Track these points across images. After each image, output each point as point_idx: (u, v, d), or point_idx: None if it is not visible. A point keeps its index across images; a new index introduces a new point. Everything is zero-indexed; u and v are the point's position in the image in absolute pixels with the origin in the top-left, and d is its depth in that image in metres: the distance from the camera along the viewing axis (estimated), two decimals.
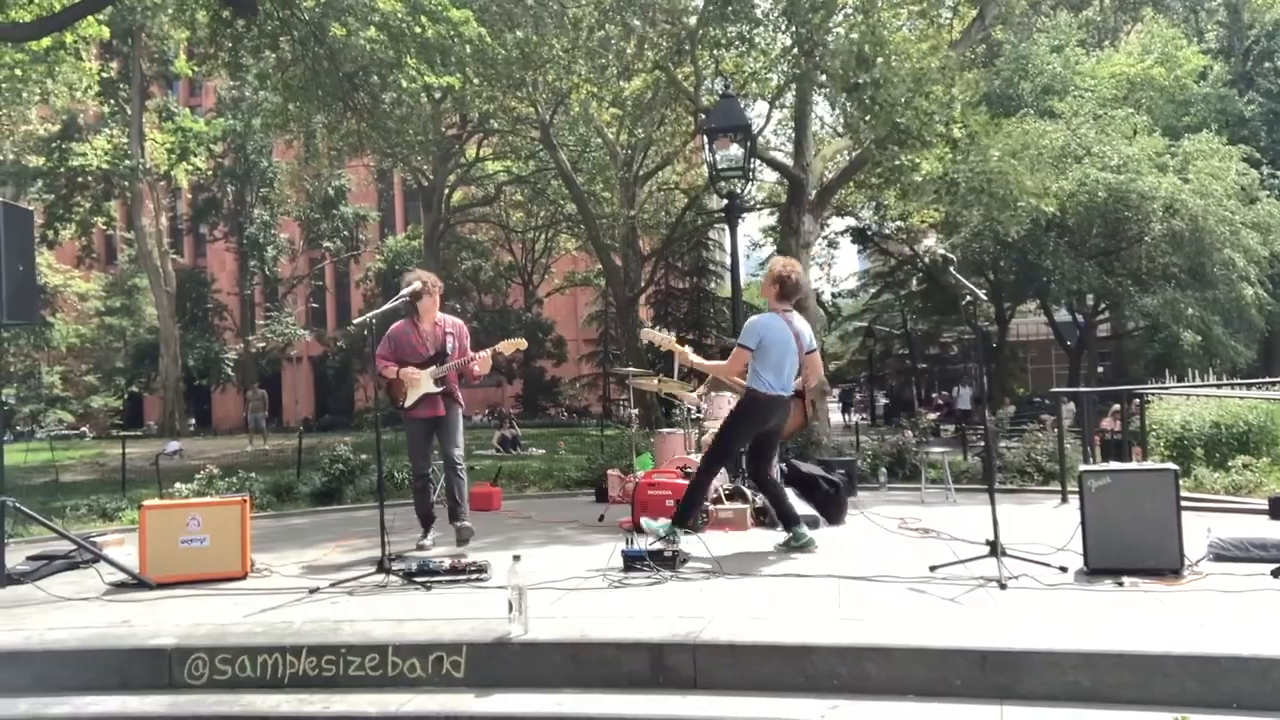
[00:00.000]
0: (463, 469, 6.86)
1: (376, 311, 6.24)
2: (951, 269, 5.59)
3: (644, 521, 6.57)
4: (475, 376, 6.97)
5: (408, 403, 6.71)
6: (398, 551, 5.83)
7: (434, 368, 6.70)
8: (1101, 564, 4.89)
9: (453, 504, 6.78)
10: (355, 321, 7.16)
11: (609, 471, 9.71)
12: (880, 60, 12.50)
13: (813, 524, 6.93)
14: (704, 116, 13.35)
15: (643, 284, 29.65)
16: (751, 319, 6.14)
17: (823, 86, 14.78)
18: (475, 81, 15.64)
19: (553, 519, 8.46)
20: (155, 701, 4.14)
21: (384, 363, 6.72)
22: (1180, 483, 5.08)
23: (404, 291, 6.48)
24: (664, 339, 6.64)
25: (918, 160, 14.41)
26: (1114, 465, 5.73)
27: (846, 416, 38.43)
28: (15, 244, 5.98)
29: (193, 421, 40.74)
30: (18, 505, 6.17)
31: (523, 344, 6.98)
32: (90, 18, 14.38)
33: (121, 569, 5.82)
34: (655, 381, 8.61)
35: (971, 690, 3.63)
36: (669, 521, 6.04)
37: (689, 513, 6.04)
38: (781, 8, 13.93)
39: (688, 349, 6.87)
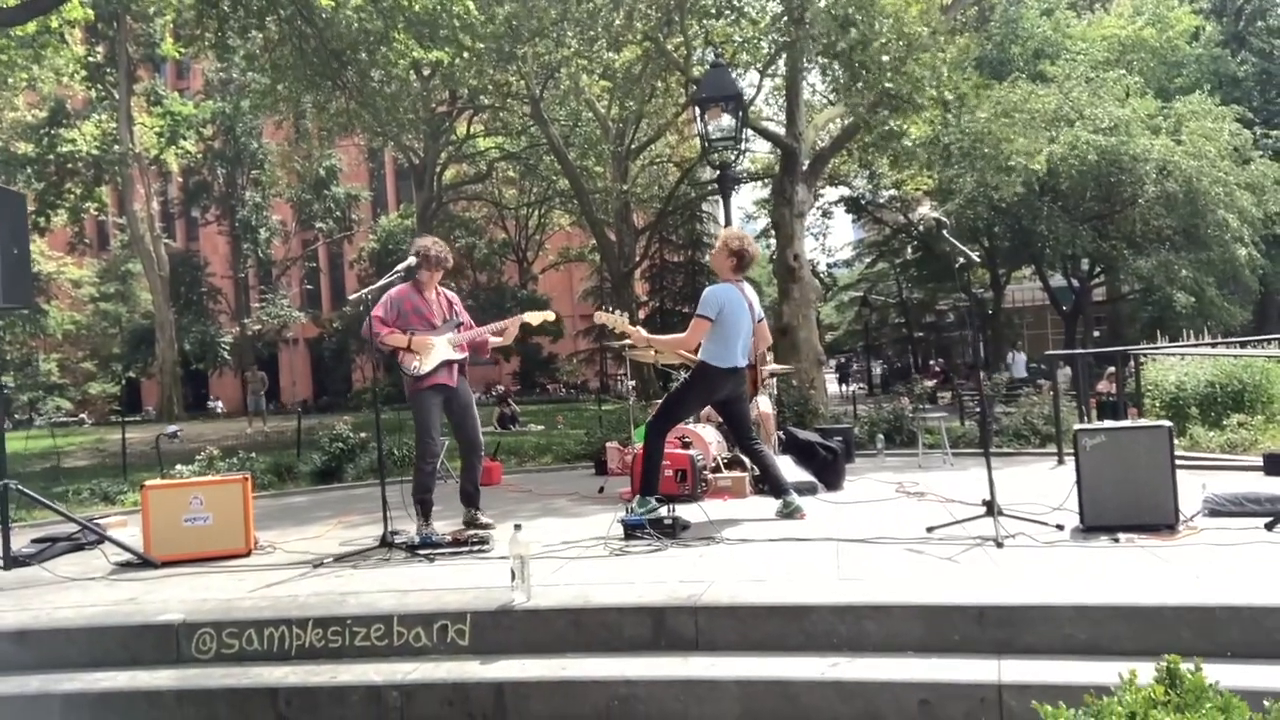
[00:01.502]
0: (481, 453, 6.45)
1: (374, 286, 6.05)
2: (944, 232, 5.60)
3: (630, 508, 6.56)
4: (487, 351, 6.42)
5: (424, 369, 5.97)
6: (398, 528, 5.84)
7: (451, 333, 6.12)
8: (1097, 521, 4.92)
9: (471, 489, 6.24)
10: (351, 298, 6.92)
11: (608, 444, 9.76)
12: (861, 19, 12.37)
13: (810, 490, 6.99)
14: (695, 87, 13.26)
15: (637, 258, 29.63)
16: (709, 289, 6.10)
17: (815, 56, 14.69)
18: (464, 55, 15.55)
19: (553, 492, 8.51)
20: (164, 676, 4.19)
21: (389, 330, 5.97)
22: (1175, 440, 5.11)
23: (400, 266, 6.12)
24: (616, 320, 6.56)
25: (906, 125, 14.35)
26: (1109, 423, 5.75)
27: (844, 387, 38.44)
28: (7, 227, 5.97)
29: (219, 402, 40.58)
30: (20, 488, 6.19)
31: (551, 315, 6.63)
32: (74, 0, 14.29)
33: (126, 548, 5.85)
34: (652, 353, 8.62)
35: (970, 645, 3.67)
36: (640, 496, 6.06)
37: (652, 481, 6.09)
38: None
39: (640, 328, 6.82)
